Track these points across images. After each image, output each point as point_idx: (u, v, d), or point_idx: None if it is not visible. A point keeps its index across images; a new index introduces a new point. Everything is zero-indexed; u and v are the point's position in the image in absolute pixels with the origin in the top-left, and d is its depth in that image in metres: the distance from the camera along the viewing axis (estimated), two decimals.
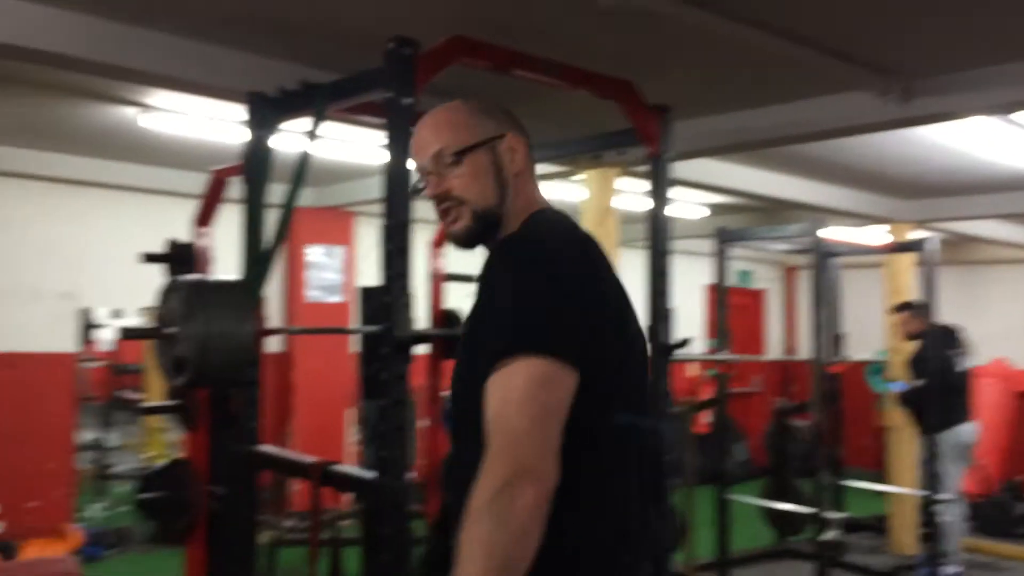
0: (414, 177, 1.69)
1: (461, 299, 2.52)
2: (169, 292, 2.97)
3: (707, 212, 7.97)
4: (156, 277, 3.39)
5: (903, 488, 6.83)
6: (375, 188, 2.56)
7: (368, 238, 6.96)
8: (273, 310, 7.25)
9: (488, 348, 1.40)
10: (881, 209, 6.98)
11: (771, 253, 10.44)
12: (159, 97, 4.60)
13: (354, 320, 6.85)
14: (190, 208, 3.89)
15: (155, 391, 7.86)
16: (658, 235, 3.25)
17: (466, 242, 1.63)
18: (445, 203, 1.62)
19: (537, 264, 1.46)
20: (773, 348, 11.49)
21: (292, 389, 7.28)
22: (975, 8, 3.16)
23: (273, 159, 3.25)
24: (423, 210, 2.05)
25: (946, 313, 6.22)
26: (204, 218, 3.85)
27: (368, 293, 3.62)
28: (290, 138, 3.49)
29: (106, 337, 10.87)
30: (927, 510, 5.96)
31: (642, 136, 3.25)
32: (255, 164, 3.23)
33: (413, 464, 3.35)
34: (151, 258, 3.67)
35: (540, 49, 2.97)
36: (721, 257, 6.04)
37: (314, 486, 2.73)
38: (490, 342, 1.40)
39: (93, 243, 6.48)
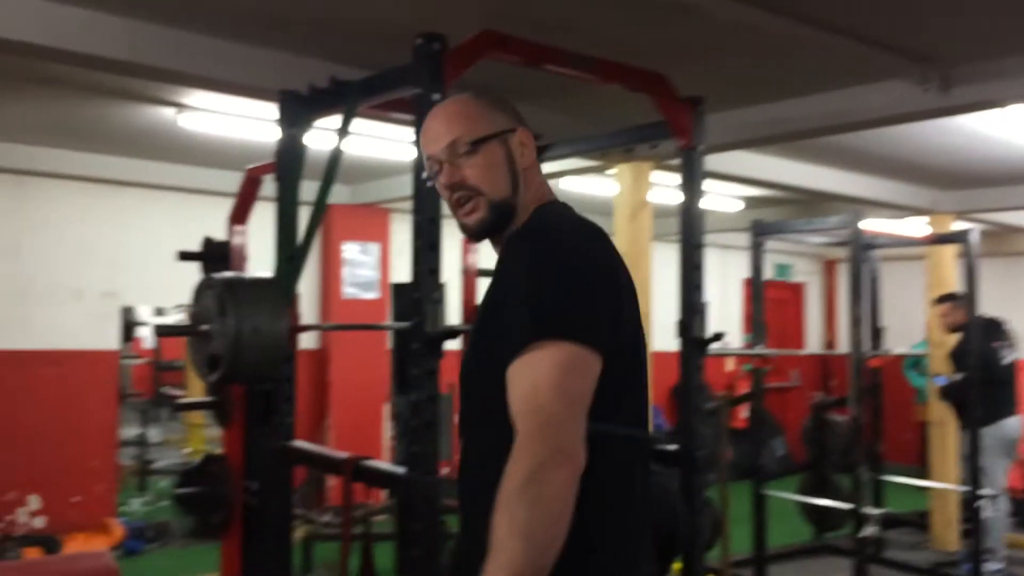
0: (425, 167, 1.69)
1: None
2: (203, 290, 3.00)
3: (742, 205, 7.89)
4: (194, 275, 3.42)
5: (945, 484, 6.72)
6: (409, 185, 2.56)
7: (403, 234, 6.99)
8: (310, 306, 7.32)
9: (512, 334, 1.40)
10: (921, 200, 6.87)
11: (810, 246, 10.31)
12: (196, 97, 4.65)
13: (389, 316, 6.88)
14: (227, 207, 3.93)
15: (196, 388, 7.98)
16: (691, 228, 3.21)
17: (480, 233, 1.64)
18: (460, 193, 1.62)
19: (560, 252, 1.47)
20: (812, 342, 11.36)
21: (328, 385, 7.33)
22: None
23: (305, 157, 3.27)
24: None
25: (989, 306, 6.11)
26: (239, 216, 3.88)
27: (400, 289, 3.64)
28: (323, 136, 3.51)
29: (149, 335, 11.06)
30: (969, 506, 5.86)
31: (674, 129, 3.22)
32: (287, 162, 3.25)
33: (445, 459, 3.36)
34: (186, 256, 3.71)
35: (568, 42, 2.95)
36: (757, 250, 5.98)
37: (346, 482, 2.74)
38: (515, 329, 1.41)
39: (132, 242, 6.57)
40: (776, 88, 4.31)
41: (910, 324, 8.38)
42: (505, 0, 3.18)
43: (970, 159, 5.80)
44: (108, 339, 6.58)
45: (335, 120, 3.05)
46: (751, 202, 7.83)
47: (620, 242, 4.94)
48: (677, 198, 3.28)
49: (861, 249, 5.58)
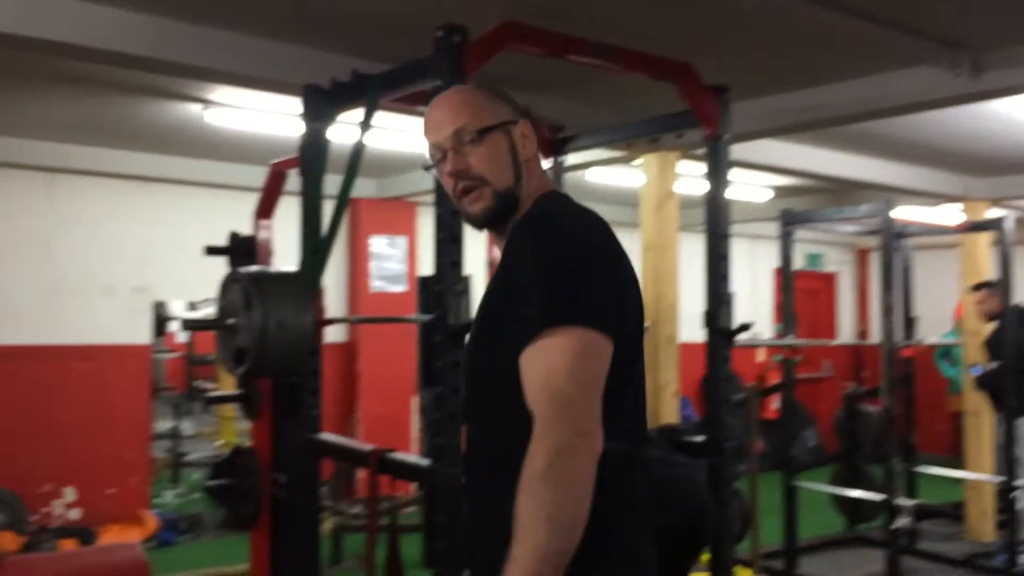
0: (427, 155, 1.69)
1: None
2: (229, 284, 3.03)
3: (771, 195, 7.81)
4: (223, 269, 3.44)
5: (980, 474, 6.62)
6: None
7: (429, 228, 6.94)
8: (338, 300, 7.35)
9: (523, 323, 1.42)
10: (953, 187, 6.76)
11: (842, 235, 10.20)
12: (222, 93, 4.68)
13: (416, 310, 6.89)
14: (255, 201, 3.95)
15: (227, 382, 8.04)
16: (717, 218, 3.19)
17: (484, 222, 1.66)
18: (465, 181, 1.62)
19: (566, 240, 1.49)
20: (845, 332, 11.25)
21: (357, 378, 7.37)
22: None
23: (329, 151, 3.29)
24: None
25: None
26: (264, 211, 3.90)
27: (425, 282, 3.64)
28: (347, 130, 3.52)
29: (180, 329, 11.17)
30: (1005, 496, 5.78)
31: (700, 118, 3.19)
32: (311, 156, 3.26)
33: None
34: (212, 251, 3.74)
35: (590, 32, 2.93)
36: (786, 240, 5.92)
37: (371, 474, 2.75)
38: (526, 317, 1.42)
39: (162, 238, 6.63)
40: (804, 75, 4.26)
41: (943, 313, 8.27)
42: None
43: (1003, 145, 5.69)
44: (140, 334, 6.66)
45: (358, 114, 3.06)
46: (780, 191, 7.75)
47: (646, 233, 4.91)
48: (704, 188, 3.26)
49: (892, 237, 5.51)
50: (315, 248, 3.18)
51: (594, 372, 1.40)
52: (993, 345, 5.95)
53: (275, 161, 3.90)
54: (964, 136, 5.47)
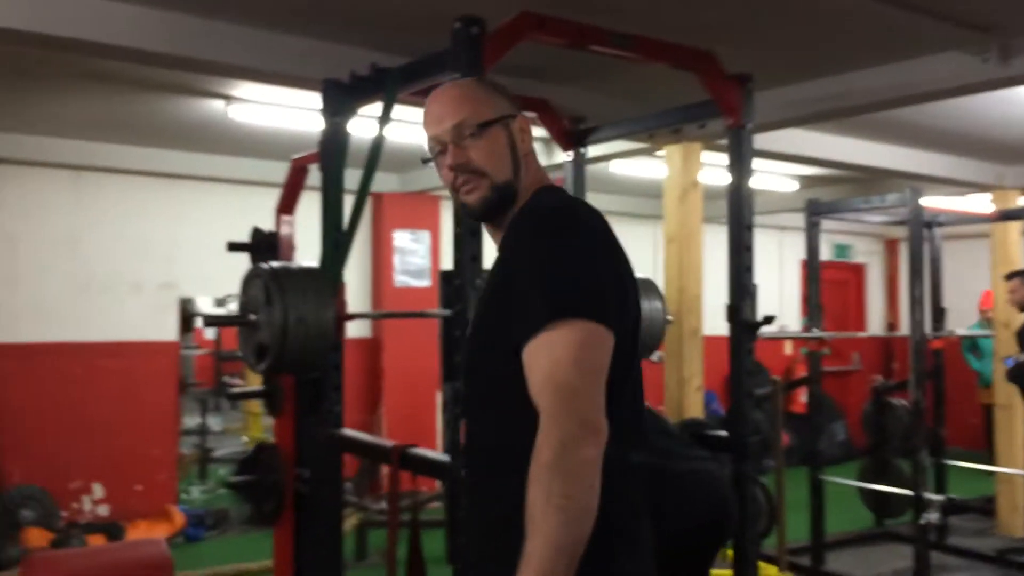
0: (426, 148, 1.70)
1: None
2: (250, 279, 3.02)
3: (797, 185, 7.73)
4: (248, 265, 3.44)
5: (1011, 468, 6.52)
6: None
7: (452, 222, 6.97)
8: (362, 295, 7.36)
9: (526, 316, 1.43)
10: (984, 175, 6.65)
11: (871, 226, 10.07)
12: (245, 89, 4.69)
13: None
14: (278, 197, 3.95)
15: (254, 377, 8.09)
16: (740, 209, 3.14)
17: (481, 213, 1.67)
18: (464, 174, 1.63)
19: (567, 233, 1.50)
20: (874, 324, 11.12)
21: (382, 373, 7.37)
22: None
23: (349, 145, 3.27)
24: None
25: None
26: (286, 206, 3.90)
27: (447, 276, 3.63)
28: (368, 124, 3.50)
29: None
30: None
31: (722, 107, 3.14)
32: (331, 150, 3.25)
33: None
34: (234, 247, 3.74)
35: (609, 22, 2.89)
36: (812, 231, 5.86)
37: (393, 469, 2.74)
38: (528, 310, 1.44)
39: (188, 234, 6.66)
40: (829, 62, 4.19)
41: (973, 304, 8.14)
42: None
43: None
44: (167, 330, 6.70)
45: (378, 108, 3.04)
46: (807, 181, 7.67)
47: (670, 224, 4.87)
48: (727, 178, 3.21)
49: (921, 227, 5.43)
50: (336, 243, 3.17)
51: (598, 364, 1.42)
52: None
53: (296, 156, 3.90)
54: (993, 123, 5.37)
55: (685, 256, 4.78)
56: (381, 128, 2.96)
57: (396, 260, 7.48)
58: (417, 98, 3.20)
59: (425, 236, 7.61)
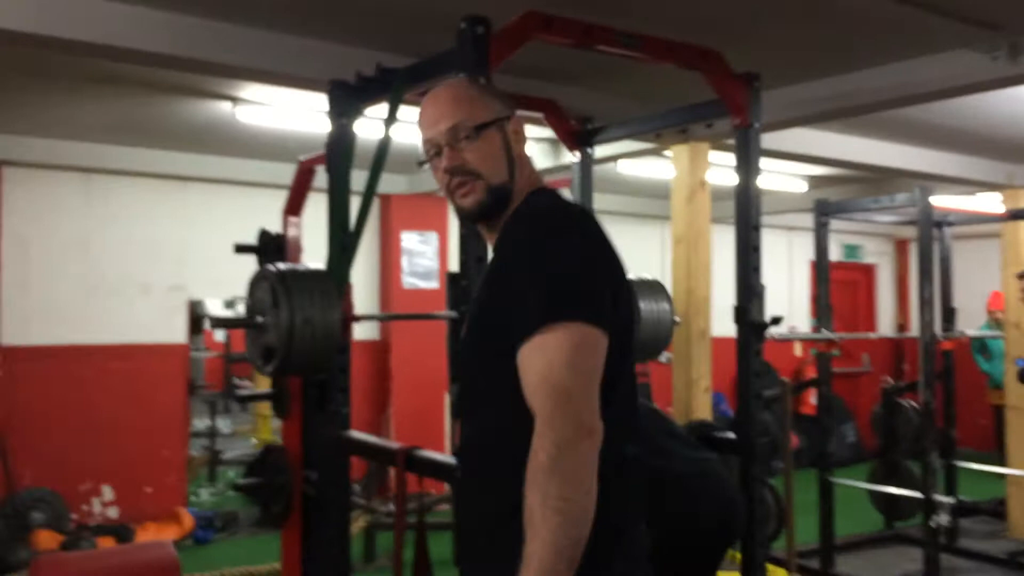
0: (421, 149, 1.71)
1: None
2: (257, 282, 3.03)
3: (806, 185, 7.70)
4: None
5: (1022, 470, 6.47)
6: None
7: None
8: (370, 296, 7.37)
9: (521, 318, 1.44)
10: (994, 174, 6.60)
11: (881, 226, 10.03)
12: (252, 91, 4.70)
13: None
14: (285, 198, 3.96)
15: (263, 380, 8.10)
16: (747, 209, 3.12)
17: (477, 216, 1.67)
18: (459, 176, 1.64)
19: (561, 236, 1.51)
20: (885, 325, 11.07)
21: (390, 375, 7.37)
22: None
23: (355, 146, 3.27)
24: None
25: None
26: (293, 208, 3.90)
27: (454, 278, 3.62)
28: (375, 125, 3.50)
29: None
30: None
31: (729, 107, 3.13)
32: (338, 152, 3.25)
33: None
34: (242, 249, 3.74)
35: (616, 21, 2.88)
36: (821, 231, 5.83)
37: (399, 472, 2.74)
38: (523, 312, 1.44)
39: (197, 236, 6.68)
40: (837, 61, 4.17)
41: (984, 305, 8.10)
42: None
43: None
44: (177, 332, 6.72)
45: (384, 109, 3.04)
46: (816, 181, 7.64)
47: (677, 225, 4.86)
48: (735, 178, 3.20)
49: (930, 227, 5.40)
50: (343, 244, 3.17)
51: (592, 366, 1.43)
52: None
53: (303, 158, 3.90)
54: (1004, 121, 5.34)
55: (693, 257, 4.76)
56: (387, 129, 2.95)
57: (404, 262, 7.48)
58: (423, 99, 3.21)
59: (433, 237, 7.61)
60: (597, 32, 2.82)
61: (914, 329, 8.68)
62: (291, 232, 3.88)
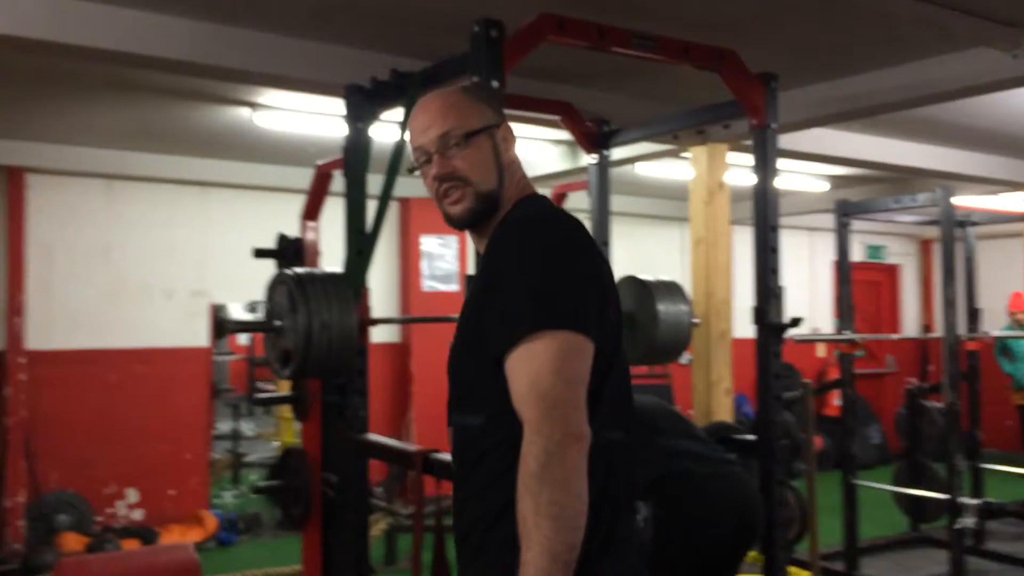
0: (411, 157, 1.72)
1: None
2: (275, 286, 3.05)
3: (827, 185, 7.64)
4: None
5: None
6: None
7: None
8: (390, 300, 7.39)
9: (509, 325, 1.45)
10: (1016, 173, 6.53)
11: (904, 226, 9.94)
12: (270, 96, 4.73)
13: None
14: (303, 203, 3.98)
15: (286, 383, 8.14)
16: (765, 210, 3.11)
17: (466, 223, 1.68)
18: (449, 183, 1.65)
19: (549, 243, 1.52)
20: (909, 326, 10.96)
21: (411, 379, 7.39)
22: None
23: (371, 150, 3.28)
24: None
25: None
26: (311, 212, 3.92)
27: (471, 281, 3.63)
28: (391, 129, 3.51)
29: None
30: None
31: (746, 107, 3.12)
32: (354, 156, 3.27)
33: None
34: (260, 253, 3.77)
35: (631, 22, 2.88)
36: (843, 231, 5.79)
37: (416, 474, 2.74)
38: (511, 319, 1.45)
39: (218, 241, 6.72)
40: (855, 61, 4.14)
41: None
42: None
43: None
44: (199, 336, 6.76)
45: (400, 112, 3.05)
46: (838, 181, 7.58)
47: (696, 227, 4.84)
48: (753, 179, 3.18)
49: (953, 227, 5.36)
50: (360, 248, 3.18)
51: (579, 373, 1.44)
52: None
53: (320, 162, 3.92)
54: None
55: (712, 258, 4.74)
56: (403, 133, 2.96)
57: (424, 265, 7.49)
58: (415, 107, 3.22)
59: (453, 240, 7.62)
60: (611, 34, 2.81)
61: (939, 330, 8.62)
62: (309, 236, 3.90)
